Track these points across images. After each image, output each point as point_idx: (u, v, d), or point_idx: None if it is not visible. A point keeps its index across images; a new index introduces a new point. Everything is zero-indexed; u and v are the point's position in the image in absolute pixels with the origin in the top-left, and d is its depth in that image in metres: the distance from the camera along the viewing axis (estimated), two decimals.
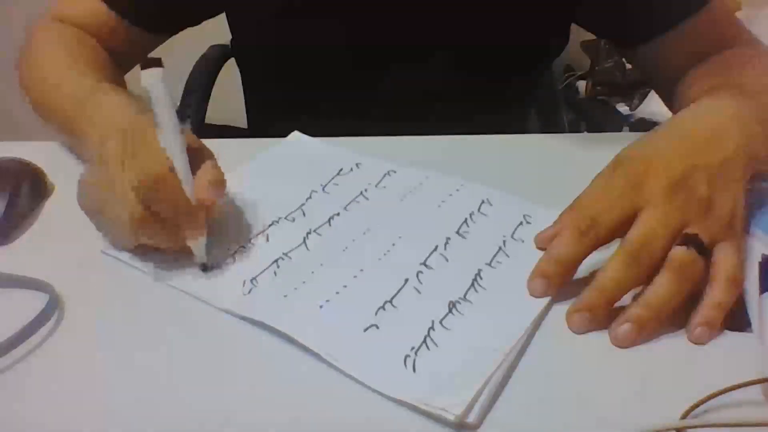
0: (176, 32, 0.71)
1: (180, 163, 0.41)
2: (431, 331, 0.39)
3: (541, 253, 0.43)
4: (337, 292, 0.42)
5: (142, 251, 0.45)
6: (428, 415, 0.34)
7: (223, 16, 0.73)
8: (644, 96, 1.46)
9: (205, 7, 0.70)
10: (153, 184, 0.40)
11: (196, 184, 0.42)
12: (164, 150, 0.41)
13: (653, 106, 1.41)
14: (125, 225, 0.41)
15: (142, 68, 0.41)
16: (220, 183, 0.43)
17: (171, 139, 0.41)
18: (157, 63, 0.42)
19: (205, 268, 0.44)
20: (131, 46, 0.67)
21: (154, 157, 0.41)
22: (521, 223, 0.49)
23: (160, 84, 0.41)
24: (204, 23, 0.71)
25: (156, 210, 0.41)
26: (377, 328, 0.39)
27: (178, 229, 0.42)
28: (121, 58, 0.66)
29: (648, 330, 0.38)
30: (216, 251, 0.45)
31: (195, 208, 0.42)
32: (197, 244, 0.43)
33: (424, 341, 0.38)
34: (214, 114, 1.01)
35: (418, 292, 0.42)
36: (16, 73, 0.66)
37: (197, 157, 0.43)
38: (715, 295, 0.39)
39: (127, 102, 0.50)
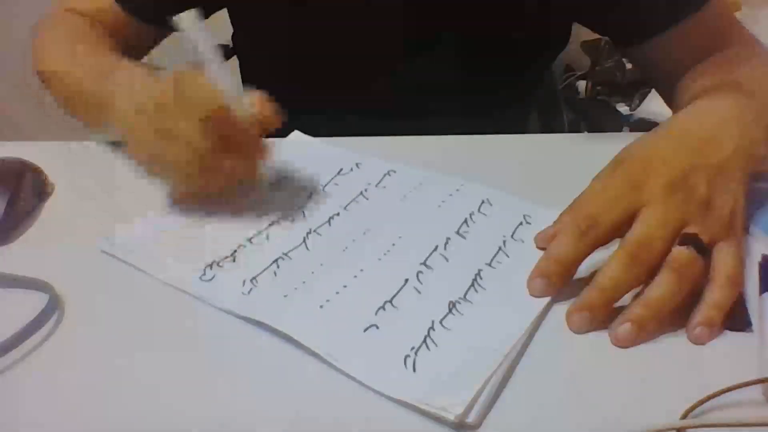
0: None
1: (233, 90, 0.45)
2: (431, 331, 0.39)
3: (541, 253, 0.43)
4: (337, 292, 0.42)
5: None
6: (428, 415, 0.34)
7: (223, 16, 0.73)
8: (644, 96, 1.46)
9: (211, 1, 0.70)
10: (221, 114, 0.43)
11: (253, 106, 0.46)
12: (215, 82, 0.44)
13: (653, 106, 1.40)
14: (191, 163, 0.44)
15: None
16: (270, 101, 0.46)
17: (219, 71, 0.44)
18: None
19: (273, 188, 0.50)
20: (137, 40, 0.69)
21: (211, 90, 0.44)
22: (521, 223, 0.49)
23: (198, 23, 0.44)
24: (204, 23, 0.72)
25: (224, 138, 0.44)
26: (377, 328, 0.39)
27: (244, 155, 0.46)
28: (127, 51, 0.67)
29: (648, 330, 0.38)
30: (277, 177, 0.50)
31: (258, 131, 0.46)
32: (267, 166, 0.48)
33: (424, 341, 0.38)
34: None
35: (418, 292, 0.42)
36: (16, 73, 0.67)
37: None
38: (715, 295, 0.39)
39: (147, 68, 0.54)
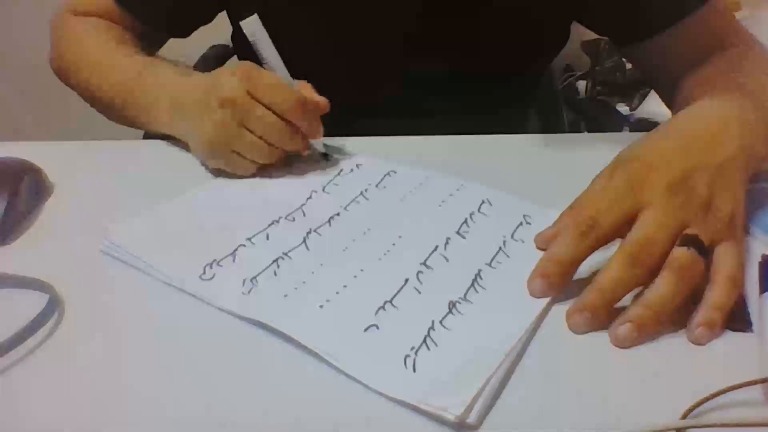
0: (188, 32, 0.73)
1: (293, 84, 0.54)
2: (431, 331, 0.39)
3: (541, 254, 0.43)
4: (337, 292, 0.42)
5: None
6: (428, 415, 0.34)
7: (223, 16, 0.73)
8: (644, 96, 1.46)
9: (213, 3, 0.71)
10: (295, 106, 0.52)
11: (305, 93, 0.54)
12: (279, 79, 0.53)
13: (653, 106, 1.40)
14: (264, 147, 0.53)
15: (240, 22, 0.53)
16: (314, 90, 0.55)
17: (280, 69, 0.54)
18: (250, 12, 0.54)
19: (327, 157, 0.57)
20: (144, 39, 0.70)
21: (282, 88, 0.52)
22: (521, 224, 0.49)
23: (260, 27, 0.53)
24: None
25: (297, 123, 0.53)
26: (377, 328, 0.39)
27: (305, 135, 0.54)
28: (142, 45, 0.69)
29: (648, 330, 0.38)
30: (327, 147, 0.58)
31: (316, 114, 0.55)
32: (318, 142, 0.56)
33: (424, 341, 0.38)
34: None
35: (418, 292, 0.42)
36: (16, 73, 0.68)
37: None
38: (716, 296, 0.39)
39: (176, 66, 0.62)
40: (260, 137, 0.52)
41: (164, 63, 0.63)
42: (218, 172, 0.55)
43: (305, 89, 0.55)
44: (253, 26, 0.53)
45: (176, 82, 0.58)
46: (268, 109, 0.51)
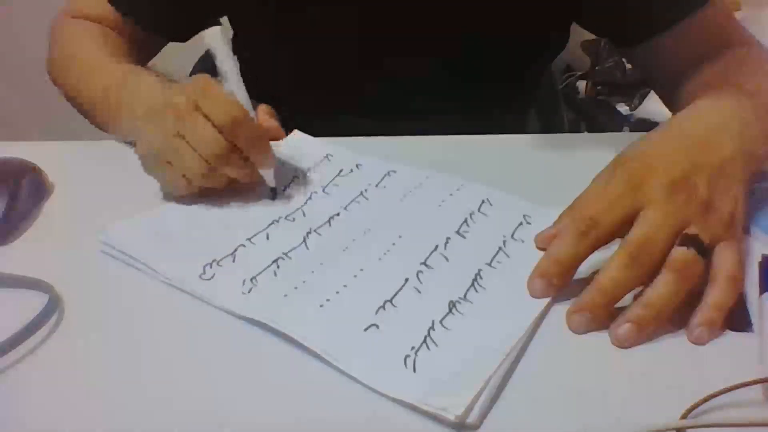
0: (187, 37, 0.73)
1: (247, 104, 0.50)
2: (431, 331, 0.39)
3: (541, 254, 0.43)
4: (337, 292, 0.42)
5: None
6: (428, 415, 0.34)
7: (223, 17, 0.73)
8: (644, 96, 1.46)
9: (211, 9, 0.70)
10: (237, 123, 0.47)
11: (259, 117, 0.51)
12: (231, 95, 0.49)
13: (653, 106, 1.40)
14: (200, 165, 0.48)
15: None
16: (274, 114, 0.53)
17: (236, 85, 0.50)
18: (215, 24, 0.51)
19: (275, 192, 0.51)
20: (142, 42, 0.70)
21: (231, 100, 0.48)
22: (521, 223, 0.49)
23: (221, 39, 0.50)
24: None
25: (238, 145, 0.48)
26: (377, 327, 0.39)
27: (251, 162, 0.49)
28: (136, 52, 0.69)
29: (648, 330, 0.38)
30: (277, 179, 0.52)
31: (266, 141, 0.50)
32: (268, 173, 0.50)
33: (425, 341, 0.38)
34: None
35: (418, 291, 0.42)
36: (16, 73, 0.68)
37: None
38: (715, 296, 0.39)
39: (160, 76, 0.58)
40: (197, 152, 0.48)
41: (146, 73, 0.59)
42: None
43: (262, 113, 0.51)
44: (214, 38, 0.50)
45: (146, 91, 0.55)
46: (210, 123, 0.47)
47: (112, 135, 0.62)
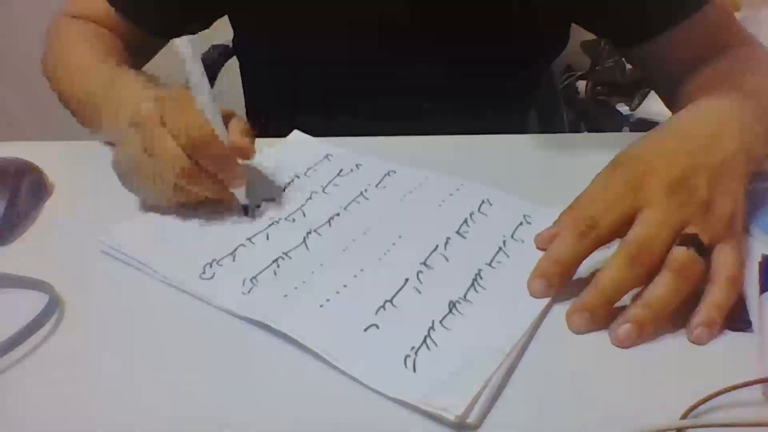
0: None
1: (216, 121, 0.46)
2: (431, 331, 0.39)
3: (541, 254, 0.43)
4: (338, 292, 0.42)
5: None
6: (428, 415, 0.34)
7: (223, 16, 0.73)
8: (644, 96, 1.46)
9: (211, 9, 0.70)
10: (201, 142, 0.45)
11: (231, 134, 0.47)
12: (201, 111, 0.46)
13: (653, 106, 1.40)
14: (168, 181, 0.46)
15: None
16: (249, 133, 0.49)
17: (206, 100, 0.46)
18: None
19: (246, 210, 0.49)
20: (139, 45, 0.69)
21: (197, 118, 0.45)
22: (521, 223, 0.49)
23: (192, 50, 0.46)
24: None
25: (202, 162, 0.46)
26: (377, 327, 0.39)
27: (220, 180, 0.47)
28: (132, 53, 0.68)
29: (648, 330, 0.38)
30: (251, 197, 0.50)
31: (235, 160, 0.47)
32: (240, 190, 0.48)
33: (425, 341, 0.38)
34: None
35: (418, 291, 0.42)
36: (16, 73, 0.68)
37: (225, 118, 0.48)
38: (715, 295, 0.39)
39: (148, 79, 0.55)
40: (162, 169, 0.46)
41: (132, 79, 0.56)
42: None
43: (235, 129, 0.48)
44: (186, 47, 0.46)
45: (127, 99, 0.53)
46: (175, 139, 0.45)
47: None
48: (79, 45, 0.66)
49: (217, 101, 0.47)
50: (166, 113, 0.46)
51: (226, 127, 0.48)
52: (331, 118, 0.61)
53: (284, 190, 0.53)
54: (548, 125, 1.02)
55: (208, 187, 0.47)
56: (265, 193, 0.52)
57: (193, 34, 0.73)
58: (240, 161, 0.48)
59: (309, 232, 0.48)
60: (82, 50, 0.65)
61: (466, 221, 0.49)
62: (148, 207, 0.50)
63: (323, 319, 0.40)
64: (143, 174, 0.47)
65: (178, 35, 0.72)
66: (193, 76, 0.46)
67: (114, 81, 0.57)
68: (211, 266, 0.44)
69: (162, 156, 0.45)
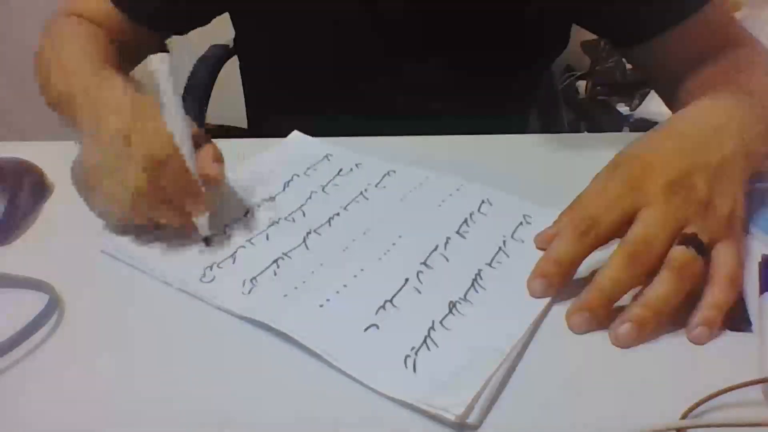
0: (185, 31, 0.72)
1: (185, 143, 0.44)
2: (431, 331, 0.39)
3: (541, 253, 0.43)
4: (338, 292, 0.42)
5: (138, 237, 0.46)
6: (428, 415, 0.34)
7: (224, 16, 0.73)
8: (644, 96, 1.46)
9: (211, 6, 0.70)
10: (161, 163, 0.43)
11: (199, 161, 0.45)
12: (169, 131, 0.44)
13: (653, 106, 1.40)
14: (126, 200, 0.43)
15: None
16: (220, 160, 0.47)
17: (175, 120, 0.44)
18: (164, 50, 0.44)
19: (207, 241, 0.46)
20: (139, 42, 0.69)
21: (161, 137, 0.43)
22: (521, 223, 0.49)
23: (166, 68, 0.45)
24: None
25: (162, 186, 0.43)
26: (377, 327, 0.39)
27: (181, 206, 0.45)
28: (129, 53, 0.68)
29: (648, 330, 0.38)
30: (215, 226, 0.47)
31: (198, 187, 0.45)
32: (201, 220, 0.45)
33: (425, 341, 0.38)
34: (214, 114, 1.01)
35: (419, 291, 0.42)
36: (16, 73, 0.67)
37: (197, 142, 0.46)
38: (715, 295, 0.39)
39: (127, 84, 0.51)
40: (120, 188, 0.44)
41: (113, 87, 0.52)
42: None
43: (205, 155, 0.46)
44: (160, 64, 0.45)
45: (103, 109, 0.49)
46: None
47: None
48: (70, 45, 0.64)
49: (188, 123, 0.45)
50: (131, 131, 0.44)
51: (197, 150, 0.46)
52: (330, 118, 0.61)
53: (284, 190, 0.53)
54: (548, 125, 1.02)
55: (163, 214, 0.45)
56: (236, 213, 0.50)
57: (193, 29, 0.72)
58: (205, 189, 0.45)
59: (309, 232, 0.48)
60: (71, 50, 0.63)
61: (466, 221, 0.49)
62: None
63: (323, 319, 0.40)
64: (104, 187, 0.45)
65: (177, 30, 0.72)
66: (165, 95, 0.44)
67: (93, 80, 0.54)
68: (211, 269, 0.44)
69: (123, 178, 0.43)
